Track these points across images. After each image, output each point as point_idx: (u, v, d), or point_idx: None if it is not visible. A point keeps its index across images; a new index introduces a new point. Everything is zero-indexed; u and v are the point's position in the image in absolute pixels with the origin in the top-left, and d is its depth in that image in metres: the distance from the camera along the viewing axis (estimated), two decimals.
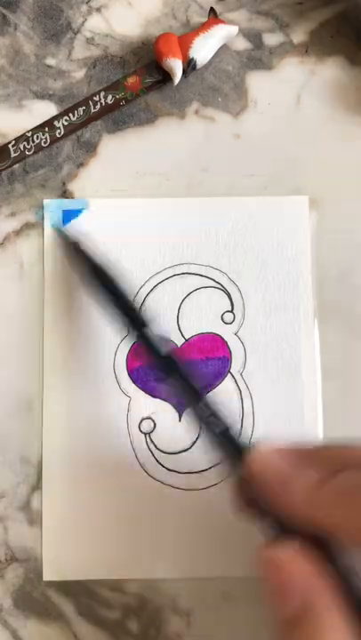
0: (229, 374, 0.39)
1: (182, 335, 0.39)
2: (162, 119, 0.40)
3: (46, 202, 0.40)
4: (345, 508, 0.23)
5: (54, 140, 0.40)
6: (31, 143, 0.40)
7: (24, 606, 0.37)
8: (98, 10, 0.41)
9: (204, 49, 0.39)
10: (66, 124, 0.40)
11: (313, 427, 0.38)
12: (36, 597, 0.37)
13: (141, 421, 0.38)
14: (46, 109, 0.40)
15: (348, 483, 0.24)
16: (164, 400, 0.38)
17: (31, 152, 0.40)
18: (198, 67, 0.40)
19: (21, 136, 0.40)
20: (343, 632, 0.22)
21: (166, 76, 0.40)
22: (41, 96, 0.40)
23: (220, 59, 0.41)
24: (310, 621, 0.22)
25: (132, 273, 0.39)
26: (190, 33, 0.39)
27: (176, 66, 0.39)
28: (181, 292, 0.39)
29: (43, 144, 0.40)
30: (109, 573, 0.37)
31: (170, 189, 0.40)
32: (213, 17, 0.40)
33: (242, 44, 0.41)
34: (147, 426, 0.38)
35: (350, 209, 0.40)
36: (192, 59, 0.39)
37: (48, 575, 0.37)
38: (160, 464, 0.38)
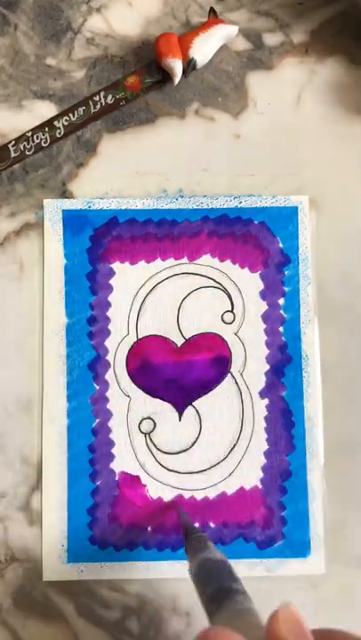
0: (229, 374, 0.39)
1: (182, 335, 0.39)
2: (162, 119, 0.40)
3: (46, 202, 0.40)
4: None
5: (54, 140, 0.40)
6: (31, 143, 0.40)
7: (24, 606, 0.37)
8: (98, 10, 0.41)
9: (204, 49, 0.39)
10: (66, 124, 0.40)
11: (314, 425, 0.38)
12: (36, 597, 0.37)
13: (141, 421, 0.38)
14: (46, 109, 0.40)
15: None
16: (164, 400, 0.38)
17: (31, 152, 0.40)
18: (198, 67, 0.40)
19: (21, 136, 0.40)
20: None
21: (166, 76, 0.40)
22: (41, 96, 0.40)
23: (220, 59, 0.41)
24: None
25: (132, 273, 0.39)
26: (190, 33, 0.39)
27: (176, 66, 0.39)
28: (181, 292, 0.39)
29: (43, 144, 0.40)
30: (110, 573, 0.37)
31: (170, 189, 0.40)
32: (213, 17, 0.40)
33: (242, 44, 0.41)
34: (147, 426, 0.38)
35: (350, 209, 0.40)
36: (192, 59, 0.39)
37: (48, 575, 0.37)
38: (160, 464, 0.38)
